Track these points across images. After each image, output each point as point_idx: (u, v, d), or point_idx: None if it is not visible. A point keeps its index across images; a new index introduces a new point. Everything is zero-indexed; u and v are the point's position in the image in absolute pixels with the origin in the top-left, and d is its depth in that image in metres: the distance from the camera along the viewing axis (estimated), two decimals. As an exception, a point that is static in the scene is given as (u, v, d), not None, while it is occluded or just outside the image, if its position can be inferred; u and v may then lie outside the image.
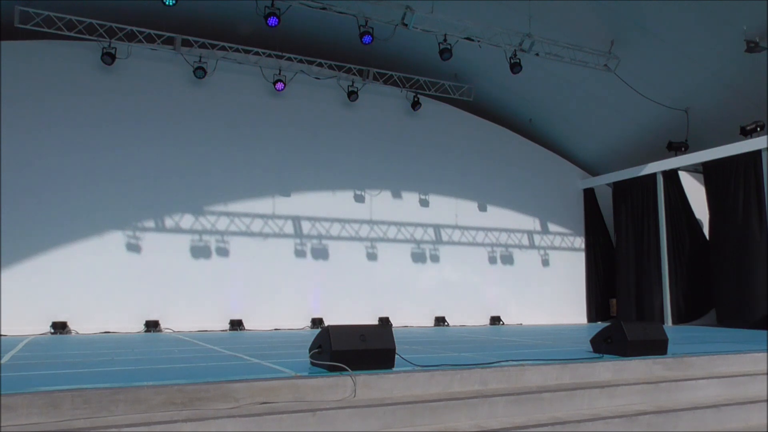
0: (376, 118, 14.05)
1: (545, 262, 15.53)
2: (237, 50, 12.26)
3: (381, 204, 13.84)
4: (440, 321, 13.79)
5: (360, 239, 13.55)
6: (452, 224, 14.52)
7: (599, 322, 14.98)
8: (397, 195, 14.07)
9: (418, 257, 14.08)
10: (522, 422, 4.44)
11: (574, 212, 16.07)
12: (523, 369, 5.16)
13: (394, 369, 4.77)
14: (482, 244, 14.83)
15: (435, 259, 14.23)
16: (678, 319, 13.63)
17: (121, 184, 11.58)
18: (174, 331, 11.33)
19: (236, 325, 11.93)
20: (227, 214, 12.41)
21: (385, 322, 12.96)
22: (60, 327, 10.70)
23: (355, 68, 13.35)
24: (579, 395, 4.96)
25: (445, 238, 14.41)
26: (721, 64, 12.01)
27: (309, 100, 13.35)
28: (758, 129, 12.31)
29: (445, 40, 10.99)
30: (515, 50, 11.54)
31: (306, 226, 13.06)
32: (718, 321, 13.10)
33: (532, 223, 15.52)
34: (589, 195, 16.16)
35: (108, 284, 11.22)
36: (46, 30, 10.58)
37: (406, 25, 10.57)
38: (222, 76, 12.51)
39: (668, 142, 13.68)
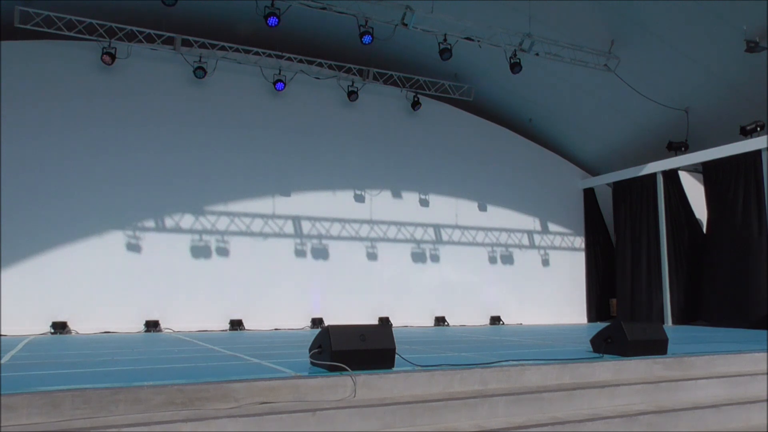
0: (376, 118, 14.05)
1: (545, 262, 15.53)
2: (237, 50, 12.27)
3: (381, 204, 13.84)
4: (440, 321, 13.78)
5: (360, 239, 13.55)
6: (452, 224, 14.52)
7: (599, 322, 14.97)
8: (397, 195, 14.06)
9: (418, 257, 14.08)
10: (522, 422, 4.44)
11: (574, 212, 16.07)
12: (523, 369, 5.15)
13: (394, 369, 4.77)
14: (482, 244, 14.82)
15: (435, 259, 14.23)
16: (678, 319, 13.63)
17: (121, 184, 11.58)
18: (174, 331, 11.33)
19: (236, 325, 11.93)
20: (227, 214, 12.42)
21: (385, 322, 12.96)
22: (60, 327, 10.70)
23: (355, 68, 13.34)
24: (579, 395, 4.96)
25: (445, 238, 14.41)
26: (721, 64, 12.01)
27: (309, 100, 13.34)
28: (758, 129, 12.30)
29: (445, 40, 10.98)
30: (515, 50, 11.54)
31: (306, 226, 13.06)
32: (717, 321, 13.08)
33: (532, 223, 15.51)
34: (589, 195, 16.16)
35: (108, 284, 11.22)
36: (46, 30, 10.59)
37: (406, 25, 10.56)
38: (222, 76, 12.51)
39: (668, 142, 13.67)
